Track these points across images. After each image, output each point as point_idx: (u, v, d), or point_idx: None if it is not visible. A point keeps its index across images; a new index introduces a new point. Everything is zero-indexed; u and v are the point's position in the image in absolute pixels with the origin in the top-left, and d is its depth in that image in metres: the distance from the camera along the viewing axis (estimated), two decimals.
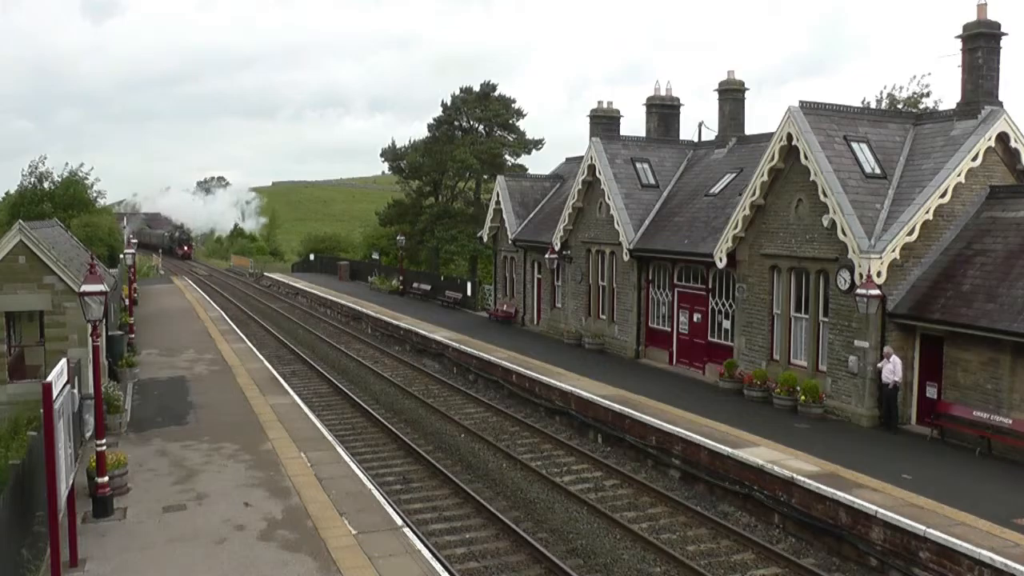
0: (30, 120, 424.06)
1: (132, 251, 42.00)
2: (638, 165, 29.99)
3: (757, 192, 22.17)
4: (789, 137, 20.97)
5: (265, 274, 73.90)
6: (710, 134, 31.68)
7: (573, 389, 22.73)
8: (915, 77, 56.00)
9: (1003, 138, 20.09)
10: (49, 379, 10.68)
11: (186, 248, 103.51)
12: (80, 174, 60.18)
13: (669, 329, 27.21)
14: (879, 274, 18.87)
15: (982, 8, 20.11)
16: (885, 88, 65.57)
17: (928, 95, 37.78)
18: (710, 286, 25.30)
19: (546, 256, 33.21)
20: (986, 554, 11.92)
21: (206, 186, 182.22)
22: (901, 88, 38.95)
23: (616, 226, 28.56)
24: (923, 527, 12.90)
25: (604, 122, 33.07)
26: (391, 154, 63.30)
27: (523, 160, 59.88)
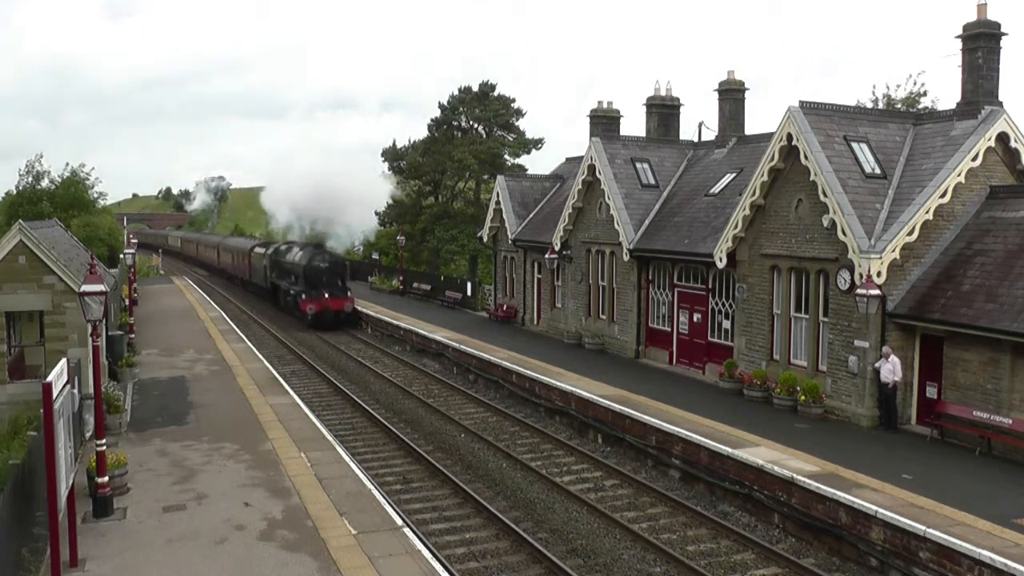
0: (39, 120, 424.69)
1: (132, 251, 42.01)
2: (638, 165, 29.99)
3: (757, 192, 22.16)
4: (789, 137, 20.97)
5: None
6: (710, 134, 31.70)
7: (573, 389, 22.72)
8: (911, 76, 55.92)
9: (1003, 138, 20.09)
10: (49, 379, 10.69)
11: (326, 298, 40.55)
12: (81, 174, 60.01)
13: (669, 329, 27.20)
14: (879, 274, 18.86)
15: (982, 8, 20.11)
16: (876, 87, 65.70)
17: (925, 94, 37.83)
18: (710, 286, 25.30)
19: (546, 256, 33.20)
20: (986, 554, 11.92)
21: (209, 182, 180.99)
22: (897, 87, 38.99)
23: (616, 226, 28.56)
24: (923, 527, 12.90)
25: (604, 122, 33.11)
26: (391, 154, 63.29)
27: (523, 160, 59.92)
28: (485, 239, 40.59)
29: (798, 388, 20.43)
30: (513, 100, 59.57)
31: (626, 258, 28.29)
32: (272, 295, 48.65)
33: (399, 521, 13.78)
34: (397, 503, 15.86)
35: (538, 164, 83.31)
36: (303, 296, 40.53)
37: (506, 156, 59.17)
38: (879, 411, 19.22)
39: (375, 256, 66.77)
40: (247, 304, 51.69)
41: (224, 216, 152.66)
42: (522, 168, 57.70)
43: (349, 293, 41.77)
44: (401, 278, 51.46)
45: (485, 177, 58.45)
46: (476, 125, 60.28)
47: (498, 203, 38.23)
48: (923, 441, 18.11)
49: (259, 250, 52.73)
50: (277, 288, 46.85)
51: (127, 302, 36.05)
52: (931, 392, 18.84)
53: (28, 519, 13.02)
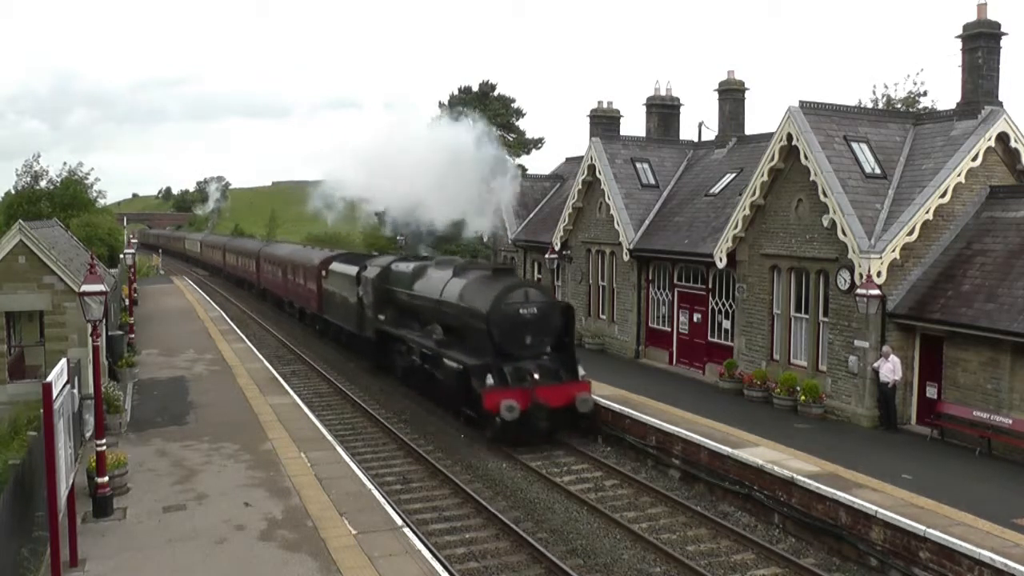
0: (41, 120, 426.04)
1: (132, 251, 42.03)
2: (638, 165, 29.99)
3: (757, 192, 22.17)
4: (789, 137, 20.97)
5: None
6: (710, 134, 31.69)
7: None
8: (909, 76, 55.88)
9: (1003, 138, 20.09)
10: (49, 379, 10.69)
11: (535, 381, 20.13)
12: (79, 173, 59.92)
13: (669, 329, 27.20)
14: (879, 274, 18.87)
15: (982, 8, 20.12)
16: (876, 87, 65.68)
17: (925, 94, 37.87)
18: (710, 286, 25.30)
19: (546, 256, 33.21)
20: (986, 554, 11.92)
21: (204, 186, 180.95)
22: (896, 85, 39.03)
23: (616, 226, 28.56)
24: (923, 527, 12.90)
25: (604, 122, 33.11)
26: None
27: (523, 160, 59.92)
28: (485, 239, 40.57)
29: (798, 388, 20.43)
30: (513, 100, 59.70)
31: (626, 258, 28.29)
32: (376, 351, 28.64)
33: (399, 521, 13.78)
34: (397, 503, 15.86)
35: (538, 164, 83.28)
36: (489, 379, 19.99)
37: (506, 156, 59.11)
38: (879, 411, 19.22)
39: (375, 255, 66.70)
40: (247, 304, 51.43)
41: (224, 217, 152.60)
42: (522, 168, 57.68)
43: (581, 372, 21.16)
44: None
45: None
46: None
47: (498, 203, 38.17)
48: (923, 441, 18.11)
49: (342, 268, 32.91)
50: (390, 341, 27.18)
51: (127, 302, 36.06)
52: (931, 392, 18.84)
53: (28, 519, 13.02)
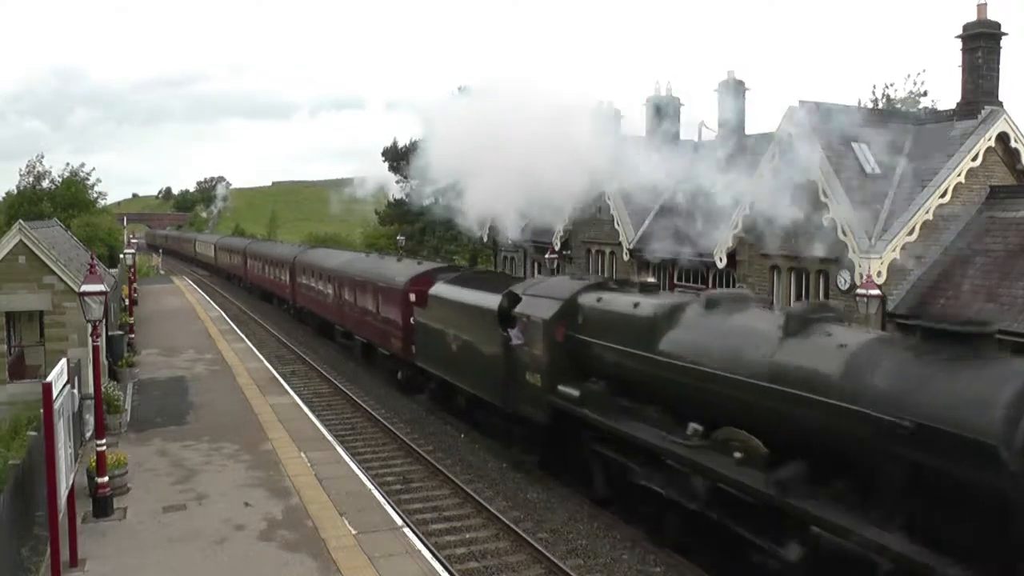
0: (43, 120, 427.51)
1: (132, 251, 42.06)
2: None
3: None
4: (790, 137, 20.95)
5: None
6: (710, 134, 31.65)
7: None
8: (910, 76, 55.76)
9: (1003, 138, 20.10)
10: (49, 379, 10.71)
11: None
12: (81, 174, 59.95)
13: None
14: (879, 274, 18.86)
15: (982, 8, 20.11)
16: (876, 87, 65.63)
17: (926, 94, 37.79)
18: (710, 286, 25.26)
19: (546, 256, 33.20)
20: None
21: (206, 186, 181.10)
22: (893, 85, 38.97)
23: (616, 226, 28.55)
24: None
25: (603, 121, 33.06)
26: (392, 153, 63.27)
27: None
28: (485, 239, 40.56)
29: None
30: None
31: (626, 258, 28.28)
32: (551, 442, 16.99)
33: (399, 521, 13.79)
34: (397, 503, 15.85)
35: None
36: None
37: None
38: None
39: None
40: (247, 304, 51.43)
41: (225, 216, 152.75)
42: None
43: None
44: None
45: None
46: None
47: None
48: None
49: (463, 295, 20.75)
50: (586, 434, 15.46)
51: (127, 302, 36.08)
52: None
53: (28, 519, 13.03)
